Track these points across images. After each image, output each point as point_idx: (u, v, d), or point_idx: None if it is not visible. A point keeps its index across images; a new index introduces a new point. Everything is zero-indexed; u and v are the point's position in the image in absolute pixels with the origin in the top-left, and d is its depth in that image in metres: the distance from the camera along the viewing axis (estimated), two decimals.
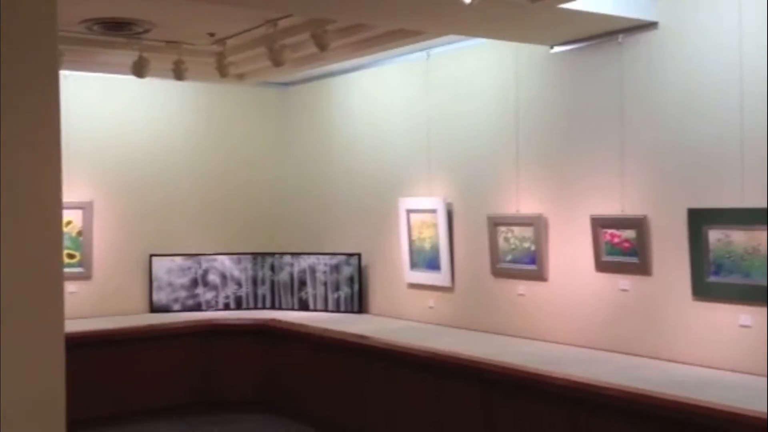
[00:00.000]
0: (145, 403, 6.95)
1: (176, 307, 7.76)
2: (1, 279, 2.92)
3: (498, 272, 6.01)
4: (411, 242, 6.73)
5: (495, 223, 5.96)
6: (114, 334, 6.87)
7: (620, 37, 5.15)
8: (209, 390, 7.22)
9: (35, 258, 3.05)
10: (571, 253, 5.51)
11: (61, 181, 3.17)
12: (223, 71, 6.02)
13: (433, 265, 6.54)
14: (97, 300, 7.41)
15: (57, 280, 3.14)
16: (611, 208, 5.21)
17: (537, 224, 5.66)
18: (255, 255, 7.93)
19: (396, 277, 7.01)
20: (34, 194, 3.06)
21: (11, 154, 2.97)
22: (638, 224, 5.01)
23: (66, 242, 7.05)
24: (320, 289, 7.61)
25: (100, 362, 6.73)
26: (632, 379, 4.43)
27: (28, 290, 3.04)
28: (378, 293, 7.30)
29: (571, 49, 5.49)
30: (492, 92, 6.10)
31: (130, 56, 6.09)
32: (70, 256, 7.21)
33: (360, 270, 7.35)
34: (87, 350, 6.48)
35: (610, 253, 5.21)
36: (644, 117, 5.07)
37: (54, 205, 3.14)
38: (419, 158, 6.71)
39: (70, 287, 6.90)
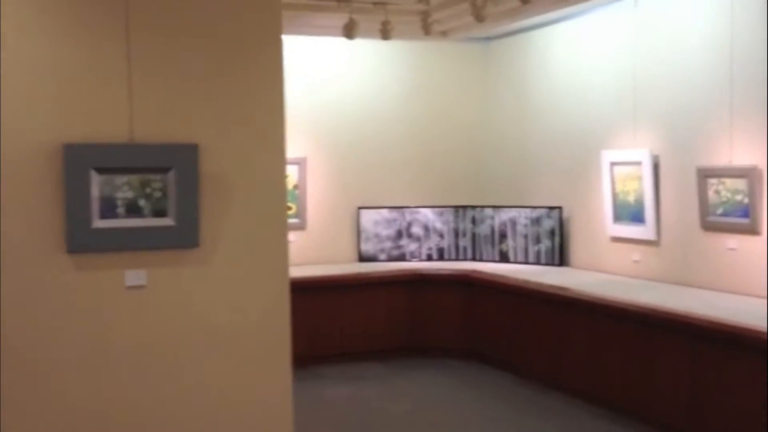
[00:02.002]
0: (354, 345, 7.43)
1: (382, 257, 8.15)
2: (233, 224, 3.30)
3: (707, 226, 5.81)
4: (614, 195, 6.64)
5: (705, 175, 5.75)
6: (327, 281, 7.36)
7: None
8: (413, 336, 7.58)
9: (266, 207, 3.42)
10: None
11: (286, 137, 3.50)
12: (427, 29, 6.20)
13: (637, 218, 6.42)
14: (310, 249, 7.94)
15: (282, 228, 3.50)
16: None
17: (751, 176, 5.40)
18: (457, 208, 8.13)
19: (598, 231, 6.95)
20: (265, 149, 3.41)
21: (243, 112, 3.33)
22: None
23: None
24: (520, 242, 7.70)
25: (314, 306, 7.25)
26: None
27: (261, 237, 3.42)
28: (579, 246, 7.27)
29: None
30: (705, 38, 5.84)
31: (340, 19, 6.42)
32: (288, 208, 7.76)
33: (561, 223, 7.35)
34: (304, 295, 7.01)
35: None
36: None
37: (279, 159, 3.48)
38: (624, 110, 6.57)
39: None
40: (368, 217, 8.16)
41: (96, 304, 3.16)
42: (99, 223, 3.15)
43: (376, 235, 8.17)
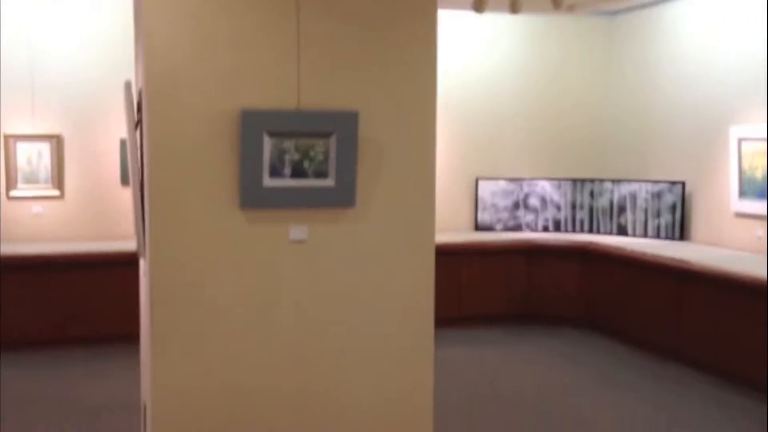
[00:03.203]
0: (472, 310, 7.68)
1: (498, 227, 8.34)
2: (386, 187, 3.57)
3: None
4: (741, 171, 6.61)
5: None
6: (447, 248, 7.60)
7: None
8: (530, 304, 7.77)
9: (417, 172, 3.68)
10: None
11: (437, 107, 3.74)
12: (556, 2, 6.29)
13: (764, 194, 6.39)
14: None
15: (431, 193, 3.76)
16: None
17: None
18: (575, 181, 8.23)
19: (721, 206, 6.94)
20: (418, 117, 3.66)
21: (399, 82, 3.59)
22: None
23: None
24: (640, 216, 7.74)
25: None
26: None
27: (412, 200, 3.68)
28: (700, 222, 7.27)
29: None
30: None
31: None
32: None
33: (683, 198, 7.36)
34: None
35: None
36: None
37: (430, 127, 3.73)
38: (756, 86, 6.51)
39: None
40: (486, 188, 8.35)
41: (263, 254, 3.49)
42: (268, 182, 3.46)
43: (494, 206, 8.36)
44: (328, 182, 3.53)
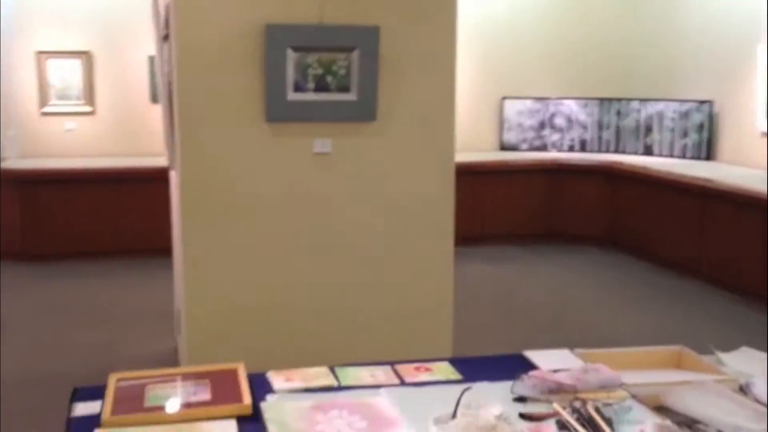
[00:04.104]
0: (494, 228, 7.79)
1: (524, 146, 8.37)
2: (407, 102, 3.64)
3: None
4: None
5: None
6: (470, 166, 7.67)
7: None
8: (552, 223, 7.86)
9: (436, 88, 3.74)
10: None
11: (457, 23, 3.77)
12: None
13: None
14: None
15: (450, 108, 3.83)
16: None
17: None
18: (602, 100, 8.19)
19: (749, 126, 6.90)
20: (437, 33, 3.71)
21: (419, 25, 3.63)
22: None
23: None
24: (666, 135, 7.72)
25: (457, 189, 7.57)
26: None
27: (431, 115, 3.75)
28: (727, 141, 7.25)
29: None
30: None
31: None
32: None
33: (711, 117, 7.32)
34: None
35: None
36: None
37: (450, 43, 3.77)
38: None
39: None
40: (512, 107, 8.35)
41: (288, 166, 3.60)
42: (292, 96, 3.55)
43: (519, 125, 8.37)
44: (351, 96, 3.61)
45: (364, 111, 3.64)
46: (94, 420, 1.83)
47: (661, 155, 7.72)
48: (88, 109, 7.51)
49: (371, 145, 3.70)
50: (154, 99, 7.39)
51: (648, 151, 7.85)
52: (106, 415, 1.82)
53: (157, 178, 5.97)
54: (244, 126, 3.55)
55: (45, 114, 7.44)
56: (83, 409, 1.90)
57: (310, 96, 3.58)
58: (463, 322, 4.48)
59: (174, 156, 3.79)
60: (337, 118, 3.64)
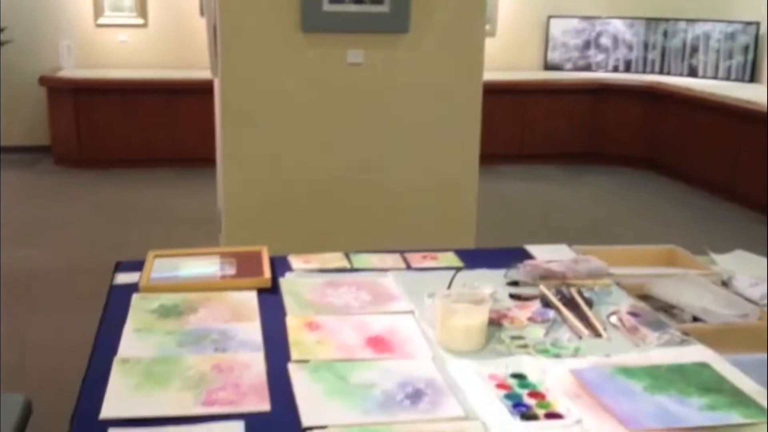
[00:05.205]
0: (534, 148, 7.88)
1: (568, 66, 8.36)
2: (439, 16, 3.76)
3: None
4: None
5: None
6: (513, 85, 7.73)
7: None
8: (592, 143, 7.91)
9: (469, 3, 3.84)
10: None
11: None
12: None
13: None
14: (498, 54, 8.27)
15: (481, 24, 3.93)
16: None
17: None
18: (649, 20, 8.10)
19: None
20: None
21: None
22: None
23: None
24: (712, 57, 7.65)
25: (498, 108, 7.67)
26: None
27: (462, 30, 3.87)
28: None
29: None
30: None
31: None
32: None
33: (756, 39, 7.22)
34: (489, 96, 7.43)
35: None
36: None
37: None
38: None
39: None
40: (558, 26, 8.32)
41: (322, 75, 3.78)
42: (328, 7, 3.70)
43: (564, 45, 8.35)
44: (384, 8, 3.74)
45: (397, 22, 3.77)
46: (133, 288, 2.08)
47: (705, 77, 7.67)
48: (140, 21, 7.72)
49: (403, 57, 3.84)
50: (203, 12, 7.55)
51: (692, 72, 7.80)
52: (143, 282, 2.08)
53: (207, 90, 6.19)
54: (281, 35, 3.72)
55: (99, 26, 7.68)
56: (124, 278, 2.16)
57: (345, 7, 3.72)
58: (488, 233, 4.66)
59: (216, 63, 3.99)
60: (370, 29, 3.78)
